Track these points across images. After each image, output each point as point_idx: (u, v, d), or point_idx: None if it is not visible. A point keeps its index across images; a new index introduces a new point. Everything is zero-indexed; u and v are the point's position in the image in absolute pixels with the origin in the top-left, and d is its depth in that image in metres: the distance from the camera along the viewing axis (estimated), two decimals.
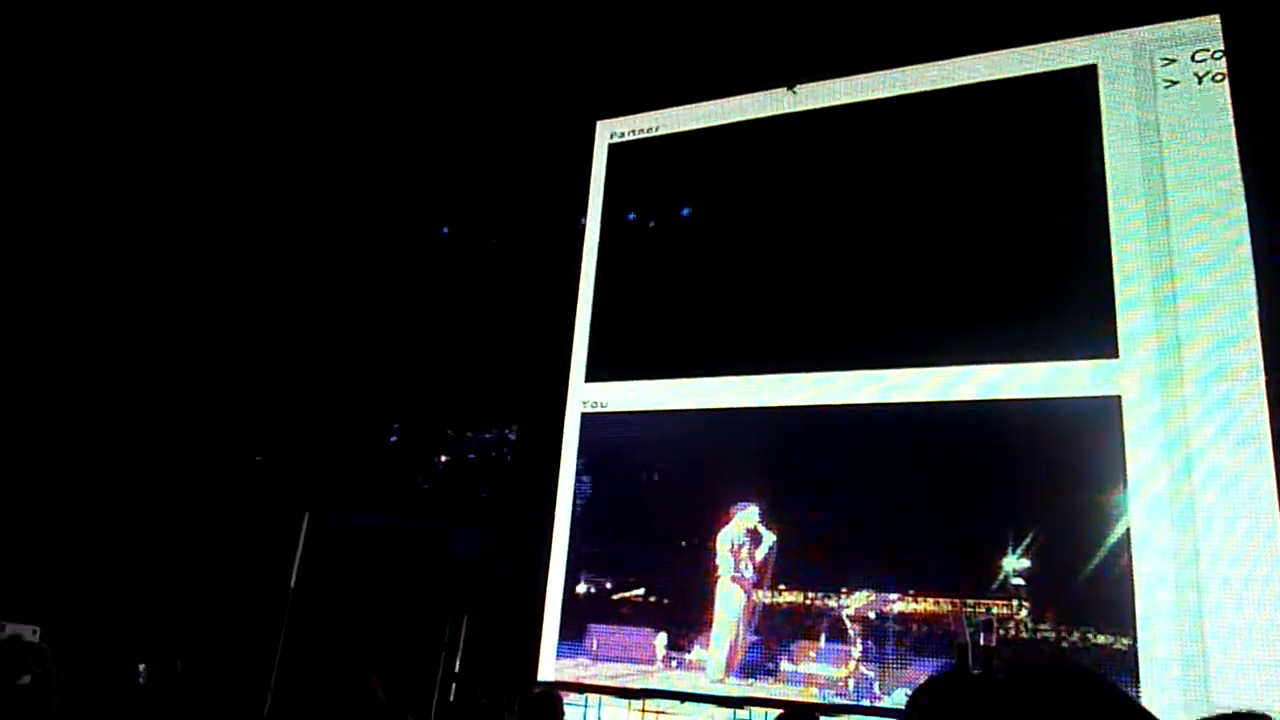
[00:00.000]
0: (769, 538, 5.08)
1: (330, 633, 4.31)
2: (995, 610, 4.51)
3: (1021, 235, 4.90)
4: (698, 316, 5.60)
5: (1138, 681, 4.11)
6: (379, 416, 5.36)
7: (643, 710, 4.84)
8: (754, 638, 5.00)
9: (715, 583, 5.14)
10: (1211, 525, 4.16)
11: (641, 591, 5.34)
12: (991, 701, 1.02)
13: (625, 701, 4.95)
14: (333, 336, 5.61)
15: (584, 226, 6.03)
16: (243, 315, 5.54)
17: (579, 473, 5.62)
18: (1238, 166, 4.43)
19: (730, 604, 5.09)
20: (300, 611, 4.24)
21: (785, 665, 4.94)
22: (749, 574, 5.10)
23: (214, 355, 5.38)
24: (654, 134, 6.12)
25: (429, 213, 5.92)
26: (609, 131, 6.25)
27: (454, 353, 5.64)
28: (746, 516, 5.14)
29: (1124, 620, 4.21)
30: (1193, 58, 4.75)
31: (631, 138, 6.19)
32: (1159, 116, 4.75)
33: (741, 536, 5.15)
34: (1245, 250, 4.33)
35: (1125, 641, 4.19)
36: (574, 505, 5.55)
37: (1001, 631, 4.45)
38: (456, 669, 4.54)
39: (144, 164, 5.47)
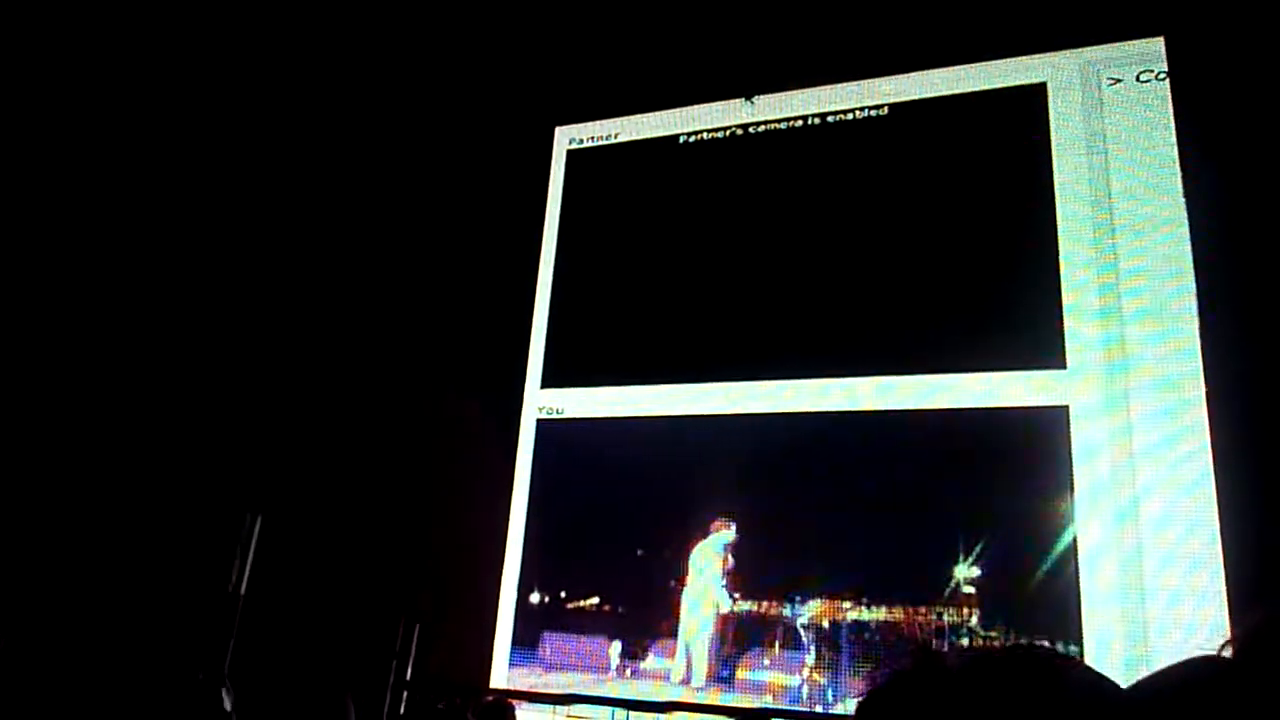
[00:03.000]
0: (727, 547, 5.09)
1: (278, 639, 4.22)
2: (947, 617, 4.56)
3: (973, 247, 4.99)
4: (654, 324, 5.60)
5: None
6: (329, 419, 5.26)
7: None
8: (711, 646, 5.00)
9: (673, 591, 5.13)
10: (1155, 533, 4.26)
11: (596, 600, 5.30)
12: (956, 685, 1.02)
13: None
14: (281, 337, 5.51)
15: (541, 232, 6.01)
16: (188, 313, 5.42)
17: (533, 480, 5.58)
18: (1180, 183, 4.56)
19: (689, 613, 5.08)
20: (248, 617, 4.14)
21: (741, 673, 4.94)
22: (708, 582, 5.10)
23: (159, 353, 5.25)
24: (613, 141, 6.13)
25: (381, 216, 5.85)
26: (568, 138, 6.25)
27: (407, 356, 5.57)
28: (711, 531, 5.15)
29: (1071, 626, 4.28)
30: (1137, 78, 4.89)
31: (591, 144, 6.19)
32: (1105, 132, 4.88)
33: (703, 546, 5.15)
34: (1187, 262, 4.45)
35: (1073, 648, 4.26)
36: (528, 512, 5.50)
37: (953, 639, 4.51)
38: (407, 677, 4.46)
39: (72, 157, 5.34)
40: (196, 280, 5.44)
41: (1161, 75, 4.82)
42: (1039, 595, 4.42)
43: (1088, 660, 4.17)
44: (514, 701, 4.23)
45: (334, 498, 4.99)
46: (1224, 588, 4.00)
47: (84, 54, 5.30)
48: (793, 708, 4.68)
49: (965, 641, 4.51)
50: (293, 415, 5.19)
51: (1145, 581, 4.22)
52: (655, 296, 5.66)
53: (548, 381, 5.77)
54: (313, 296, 5.58)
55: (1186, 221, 4.47)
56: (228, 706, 1.84)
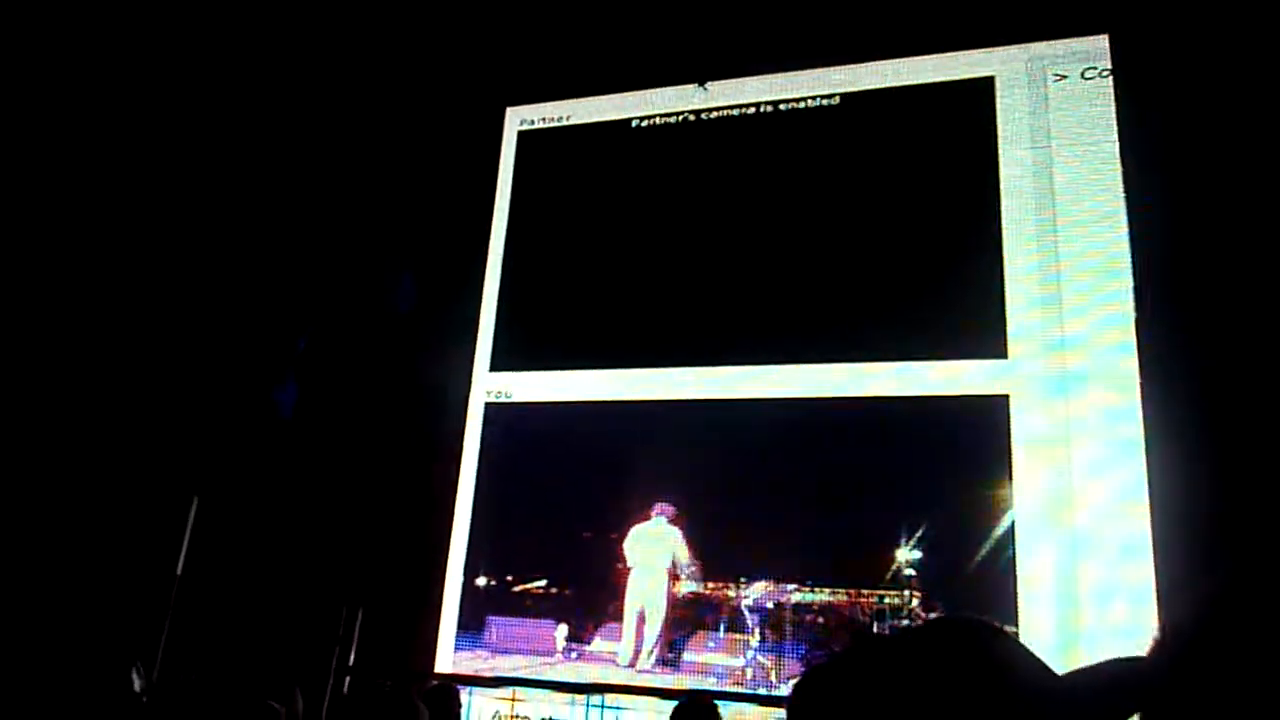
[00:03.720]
0: (673, 531, 5.12)
1: (218, 624, 4.13)
2: (888, 600, 4.65)
3: (918, 237, 5.07)
4: (603, 308, 5.59)
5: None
6: (271, 401, 5.16)
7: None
8: (657, 628, 5.03)
9: (619, 574, 5.15)
10: (1089, 520, 4.39)
11: (543, 583, 5.30)
12: (888, 659, 1.05)
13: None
14: (223, 317, 5.38)
15: (492, 214, 5.95)
16: (127, 293, 5.27)
17: (480, 463, 5.54)
18: (1120, 178, 4.68)
19: (634, 596, 5.11)
20: (186, 600, 4.05)
21: (686, 655, 4.98)
22: (653, 566, 5.12)
23: (97, 334, 5.09)
24: (565, 124, 6.09)
25: (329, 196, 5.73)
26: (519, 118, 6.18)
27: (352, 338, 5.48)
28: (653, 514, 5.17)
29: (1008, 609, 4.40)
30: (1082, 75, 4.99)
31: (542, 126, 6.14)
32: (1050, 128, 4.98)
33: (647, 530, 5.17)
34: (1125, 256, 4.57)
35: (1009, 629, 4.37)
36: (475, 495, 5.47)
37: (894, 621, 4.60)
38: (351, 662, 4.41)
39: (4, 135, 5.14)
40: (135, 260, 5.28)
41: (1105, 72, 4.92)
42: (977, 579, 4.53)
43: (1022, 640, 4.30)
44: (459, 686, 4.22)
45: (276, 481, 4.90)
46: (1154, 574, 4.14)
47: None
48: (737, 689, 4.73)
49: (906, 623, 4.60)
50: (234, 397, 5.08)
51: (1079, 567, 4.35)
52: (604, 281, 5.64)
53: (496, 365, 5.73)
54: (256, 277, 5.46)
55: (1126, 216, 4.59)
56: (137, 688, 1.80)
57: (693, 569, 5.06)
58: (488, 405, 5.66)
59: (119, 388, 4.91)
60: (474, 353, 5.72)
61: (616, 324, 5.55)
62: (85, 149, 5.31)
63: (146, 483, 4.55)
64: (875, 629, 4.33)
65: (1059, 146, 4.95)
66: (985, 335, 4.80)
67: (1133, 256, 4.53)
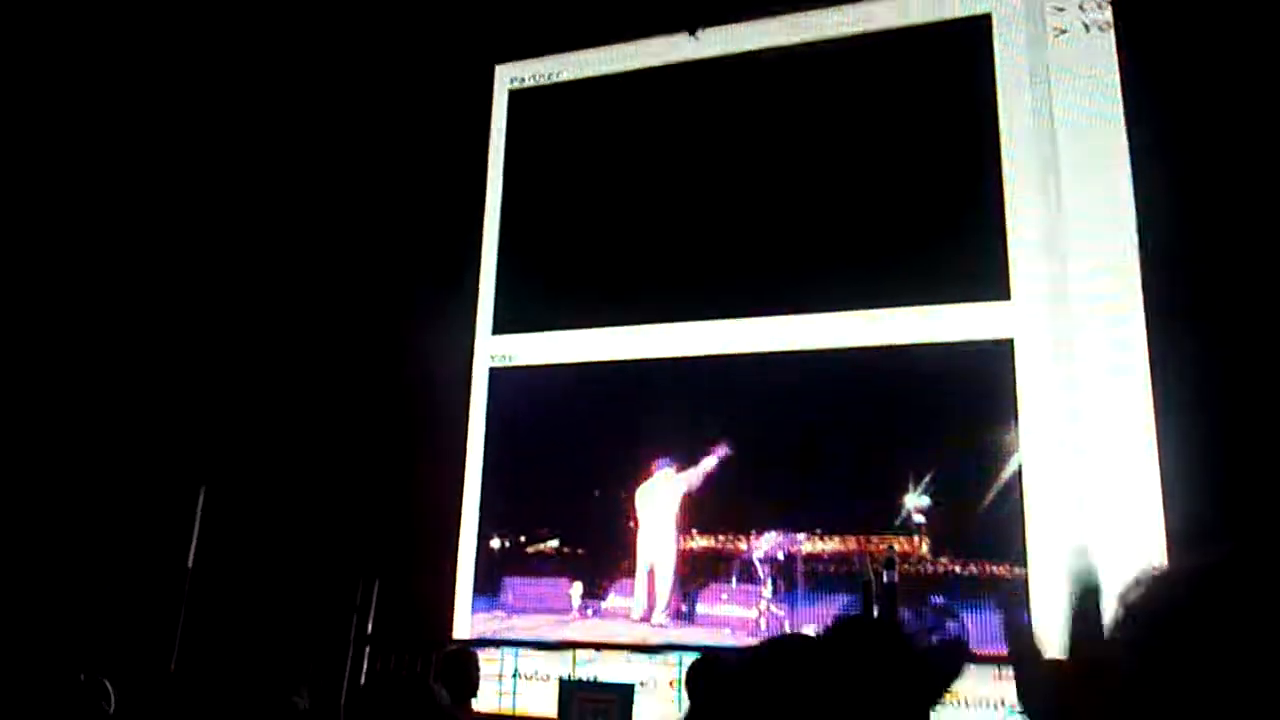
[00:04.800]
0: (682, 485, 5.15)
1: (234, 605, 4.18)
2: (897, 547, 4.68)
3: (919, 182, 5.00)
4: (604, 266, 5.56)
5: (1030, 609, 4.34)
6: (274, 377, 5.16)
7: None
8: (670, 583, 5.10)
9: (631, 531, 5.20)
10: (1095, 460, 4.39)
11: (556, 543, 5.36)
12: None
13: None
14: (224, 297, 5.36)
15: (486, 176, 5.89)
16: (130, 277, 5.25)
17: (488, 427, 5.56)
18: (1122, 113, 4.59)
19: (646, 553, 5.16)
20: (200, 587, 4.09)
21: (700, 608, 5.05)
22: (664, 522, 5.17)
23: (102, 318, 5.09)
24: (556, 80, 5.99)
25: (319, 164, 5.67)
26: (509, 76, 6.08)
27: (352, 308, 5.46)
28: (661, 468, 5.21)
29: (1017, 552, 4.43)
30: (1080, 7, 4.87)
31: (532, 84, 6.04)
32: (1049, 64, 4.88)
33: (657, 486, 5.21)
34: (1129, 196, 4.51)
35: (1019, 571, 4.41)
36: (484, 459, 5.51)
37: (905, 567, 4.64)
38: (369, 631, 4.48)
39: None
40: (135, 244, 5.25)
41: (1103, 4, 4.80)
42: (986, 523, 4.56)
43: (1032, 585, 4.34)
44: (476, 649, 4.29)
45: (283, 459, 4.92)
46: (1162, 513, 4.16)
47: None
48: (751, 640, 4.80)
49: (917, 569, 4.65)
50: (237, 373, 5.09)
51: (1087, 508, 4.36)
52: (603, 239, 5.60)
53: (499, 328, 5.72)
54: (253, 252, 5.42)
55: (1129, 155, 4.51)
56: (110, 709, 1.83)
57: (684, 519, 5.10)
58: (492, 369, 5.66)
59: (122, 376, 4.91)
60: (475, 317, 5.71)
61: (618, 281, 5.52)
62: (79, 131, 5.26)
63: (154, 472, 4.57)
64: (885, 577, 4.36)
65: (1058, 82, 4.85)
66: (989, 279, 4.76)
67: (1136, 195, 4.46)
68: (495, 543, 5.41)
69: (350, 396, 5.21)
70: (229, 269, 5.36)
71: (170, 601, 3.93)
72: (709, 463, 5.11)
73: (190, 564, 4.14)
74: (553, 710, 4.32)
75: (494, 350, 5.69)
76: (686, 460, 5.16)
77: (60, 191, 5.16)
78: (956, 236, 4.87)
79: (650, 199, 5.53)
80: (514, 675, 4.89)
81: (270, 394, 5.05)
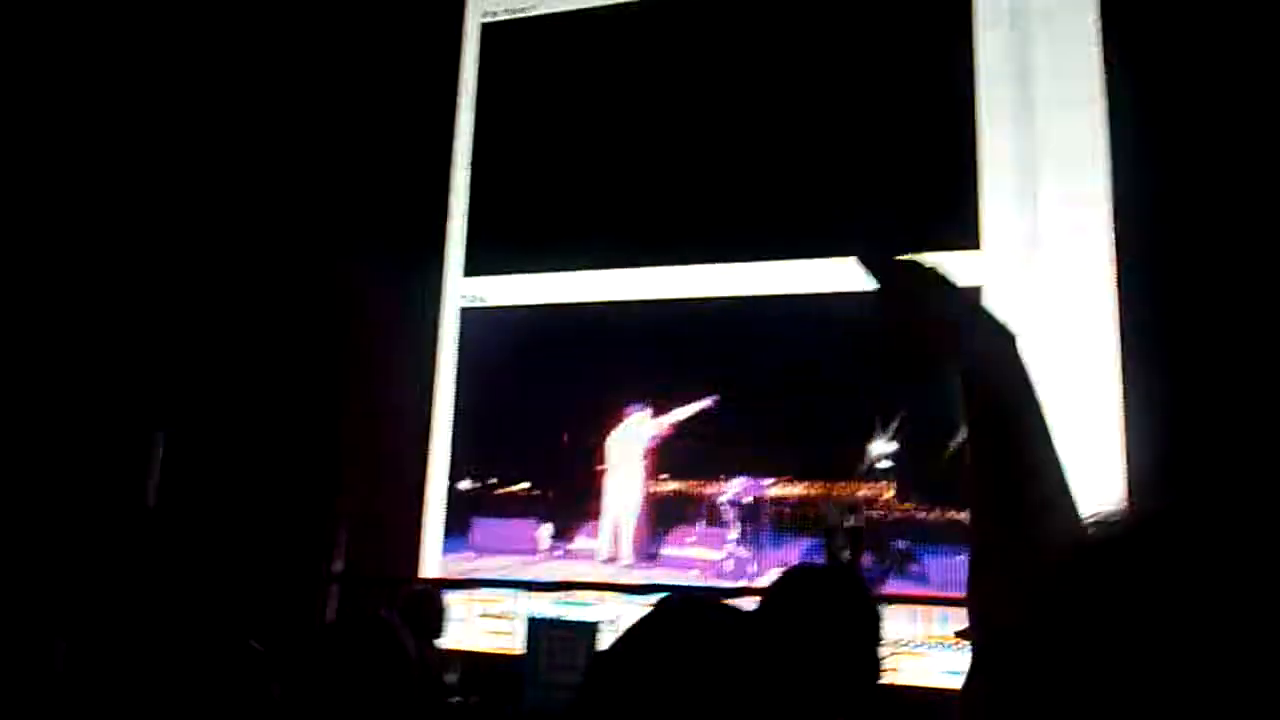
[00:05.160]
0: (653, 431, 5.18)
1: (198, 547, 4.17)
2: (863, 492, 4.74)
3: (892, 123, 4.94)
4: (577, 208, 5.49)
5: None
6: (236, 319, 5.07)
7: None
8: (637, 525, 5.15)
9: (599, 474, 5.24)
10: (1060, 415, 4.40)
11: (526, 485, 5.39)
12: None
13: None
14: (181, 233, 5.25)
15: (456, 112, 5.76)
16: (83, 209, 5.13)
17: (458, 368, 5.55)
18: (1099, 61, 4.53)
19: (614, 495, 5.21)
20: (161, 530, 4.06)
21: (667, 550, 5.12)
22: (633, 466, 5.21)
23: (54, 257, 4.98)
24: (530, 13, 5.84)
25: (284, 101, 5.52)
26: (480, 9, 5.93)
27: (318, 247, 5.37)
28: (633, 414, 5.23)
29: None
30: None
31: (506, 16, 5.89)
32: (1029, 6, 4.79)
33: (628, 431, 5.23)
34: (1104, 143, 4.47)
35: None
36: (455, 401, 5.50)
37: (870, 511, 4.69)
38: (338, 569, 4.51)
39: None
40: (89, 184, 5.10)
41: None
42: (951, 469, 4.60)
43: None
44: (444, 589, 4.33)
45: (248, 402, 4.87)
46: (1125, 470, 4.20)
47: None
48: (716, 582, 4.87)
49: (880, 515, 4.71)
50: (196, 314, 5.00)
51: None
52: (576, 179, 5.52)
53: (469, 269, 5.67)
54: (212, 191, 5.30)
55: (1105, 101, 4.46)
56: (59, 665, 1.83)
57: (652, 463, 5.14)
58: (462, 310, 5.63)
59: (76, 316, 4.81)
60: (445, 257, 5.65)
61: (592, 223, 5.46)
62: (21, 70, 5.08)
63: (111, 415, 4.51)
64: (851, 521, 4.42)
65: (1037, 26, 4.77)
66: (958, 226, 4.74)
67: (1112, 142, 4.42)
68: (464, 484, 5.44)
69: (316, 338, 5.16)
70: (187, 211, 5.24)
71: (130, 548, 3.91)
72: (683, 411, 5.13)
73: (151, 504, 4.12)
74: (520, 647, 4.39)
75: (465, 291, 5.65)
76: (659, 406, 5.18)
77: (5, 134, 5.00)
78: (927, 182, 4.83)
79: (627, 138, 5.44)
80: (482, 614, 4.94)
81: (232, 333, 4.98)
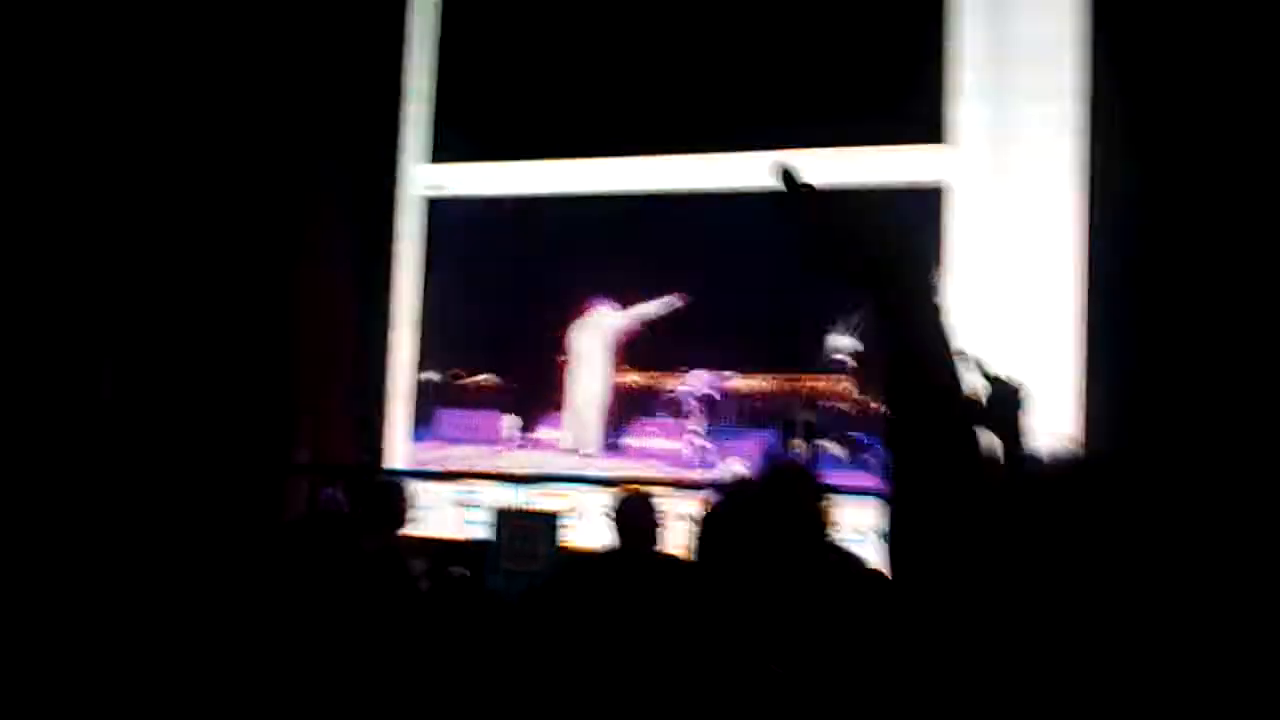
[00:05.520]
0: (618, 324, 5.21)
1: (161, 438, 4.18)
2: (821, 385, 4.83)
3: (859, 15, 4.82)
4: (547, 93, 5.35)
5: None
6: (188, 212, 4.91)
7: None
8: (599, 416, 5.24)
9: (563, 366, 5.29)
10: (1020, 311, 4.47)
11: (490, 377, 5.43)
12: None
13: None
14: (125, 126, 5.02)
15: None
16: (18, 123, 4.87)
17: (421, 259, 5.51)
18: None
19: (577, 386, 5.27)
20: (120, 426, 4.04)
21: (629, 441, 5.23)
22: (596, 358, 5.26)
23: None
24: None
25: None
26: None
27: (271, 137, 5.20)
28: (597, 307, 5.24)
29: None
30: None
31: None
32: None
33: (592, 324, 5.26)
34: (1074, 40, 4.39)
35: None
36: (419, 292, 5.48)
37: (828, 405, 4.80)
38: (305, 461, 4.57)
39: None
40: (22, 94, 4.82)
41: None
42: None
43: None
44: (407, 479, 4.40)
45: (205, 297, 4.78)
46: (1083, 369, 4.29)
47: None
48: (677, 471, 5.00)
49: (840, 406, 4.82)
50: (145, 211, 4.84)
51: (1005, 358, 4.48)
52: (543, 63, 5.36)
53: (430, 157, 5.56)
54: (151, 76, 5.04)
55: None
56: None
57: (615, 356, 5.20)
58: (423, 200, 5.54)
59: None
60: (403, 145, 5.52)
61: (559, 110, 5.32)
62: None
63: (64, 320, 4.39)
64: (806, 415, 4.53)
65: None
66: (924, 121, 4.69)
67: (1084, 39, 4.34)
68: (429, 375, 5.47)
69: (272, 229, 5.05)
70: (128, 106, 5.00)
71: (86, 440, 3.91)
72: (649, 307, 5.15)
73: (108, 395, 4.09)
74: (484, 535, 4.52)
75: (426, 180, 5.55)
76: (624, 299, 5.20)
77: None
78: (893, 76, 4.74)
79: (598, 22, 5.26)
80: (447, 503, 5.06)
81: (182, 227, 4.85)
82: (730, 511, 1.58)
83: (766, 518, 1.51)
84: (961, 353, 1.38)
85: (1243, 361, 3.58)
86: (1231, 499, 0.68)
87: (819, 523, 1.69)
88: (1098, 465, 0.76)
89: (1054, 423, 4.20)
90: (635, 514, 3.03)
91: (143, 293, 4.66)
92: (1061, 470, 0.76)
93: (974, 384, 1.33)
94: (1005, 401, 1.30)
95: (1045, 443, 0.89)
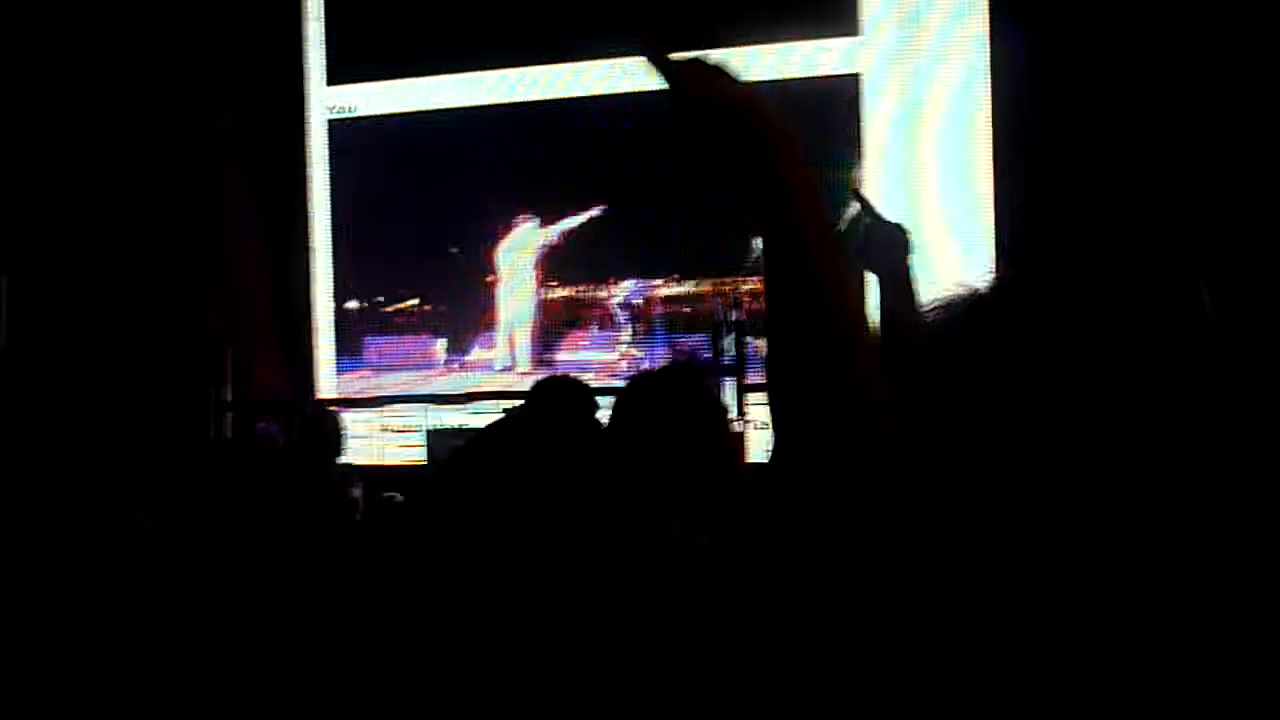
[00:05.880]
0: (543, 239, 5.15)
1: (69, 386, 4.03)
2: (747, 288, 4.86)
3: None
4: (451, 2, 5.15)
5: None
6: (83, 146, 4.67)
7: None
8: (530, 333, 5.22)
9: (490, 285, 5.23)
10: (934, 191, 4.54)
11: (416, 301, 5.35)
12: None
13: None
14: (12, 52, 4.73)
15: None
16: None
17: (333, 185, 5.34)
18: None
19: (507, 305, 5.24)
20: (19, 374, 3.87)
21: (561, 355, 5.22)
22: (523, 275, 5.21)
23: None
24: None
25: None
26: None
27: (160, 64, 4.93)
28: (519, 224, 5.17)
29: None
30: None
31: None
32: None
33: (514, 238, 5.20)
34: None
35: None
36: (332, 219, 5.33)
37: (756, 305, 4.84)
38: (229, 398, 4.46)
39: None
40: None
41: None
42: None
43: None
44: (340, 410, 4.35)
45: (96, 235, 4.56)
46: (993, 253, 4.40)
47: None
48: (610, 382, 5.02)
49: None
50: (32, 143, 4.58)
51: (923, 236, 4.56)
52: None
53: (335, 77, 5.34)
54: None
55: None
56: None
57: (542, 271, 5.16)
58: (331, 123, 5.34)
59: None
60: (308, 68, 5.29)
61: (464, 19, 5.13)
62: None
63: None
64: (735, 315, 4.57)
65: None
66: (837, 12, 4.64)
67: None
68: (352, 304, 5.36)
69: (164, 159, 4.81)
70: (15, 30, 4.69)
71: None
72: (572, 220, 5.10)
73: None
74: (423, 459, 4.51)
75: (331, 102, 5.34)
76: (548, 214, 5.13)
77: None
78: None
79: None
80: (382, 429, 5.02)
81: (77, 161, 4.60)
82: (627, 397, 1.62)
83: (654, 404, 1.56)
84: (857, 192, 1.38)
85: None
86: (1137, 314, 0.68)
87: (706, 415, 1.70)
88: (994, 294, 0.75)
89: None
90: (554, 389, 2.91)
91: (41, 232, 4.44)
92: (961, 306, 0.76)
93: (859, 224, 1.33)
94: (890, 245, 1.31)
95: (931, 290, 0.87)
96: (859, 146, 4.64)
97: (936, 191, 4.54)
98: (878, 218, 1.35)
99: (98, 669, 1.41)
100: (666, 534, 1.19)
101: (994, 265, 4.28)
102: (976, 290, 0.75)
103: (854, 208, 1.37)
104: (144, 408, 4.10)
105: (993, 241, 4.42)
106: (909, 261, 1.34)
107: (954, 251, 4.49)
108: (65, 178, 4.52)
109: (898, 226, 1.35)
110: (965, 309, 0.74)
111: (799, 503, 0.76)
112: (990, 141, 4.40)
